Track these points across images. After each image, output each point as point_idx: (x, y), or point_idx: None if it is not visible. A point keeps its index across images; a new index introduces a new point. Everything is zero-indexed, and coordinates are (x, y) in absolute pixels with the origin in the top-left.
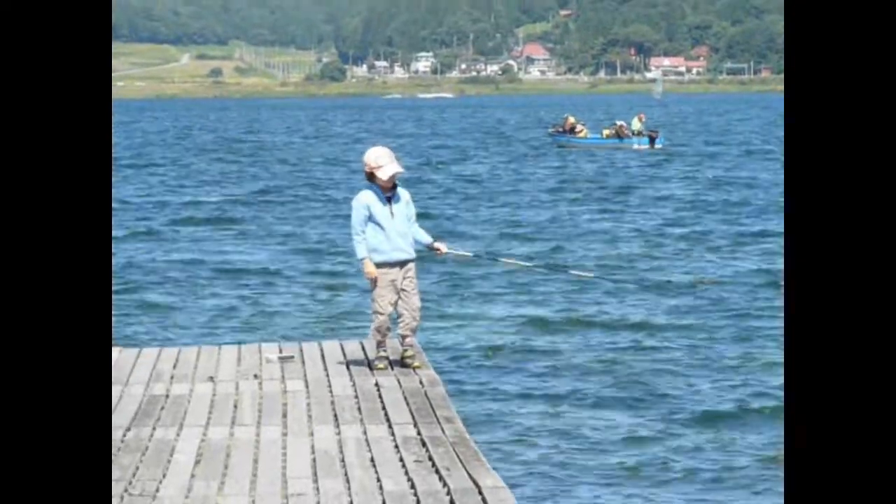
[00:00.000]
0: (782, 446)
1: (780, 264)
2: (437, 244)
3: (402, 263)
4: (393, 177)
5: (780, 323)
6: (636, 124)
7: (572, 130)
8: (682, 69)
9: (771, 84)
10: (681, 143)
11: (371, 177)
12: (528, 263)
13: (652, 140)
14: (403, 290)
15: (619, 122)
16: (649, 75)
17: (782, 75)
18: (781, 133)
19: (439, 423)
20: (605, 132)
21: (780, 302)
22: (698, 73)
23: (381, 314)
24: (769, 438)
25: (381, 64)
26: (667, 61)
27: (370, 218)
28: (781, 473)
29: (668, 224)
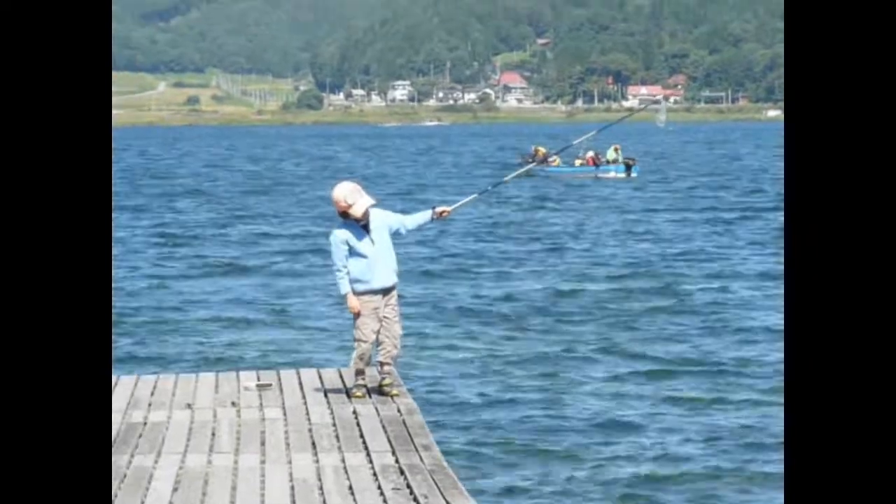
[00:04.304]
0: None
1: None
2: (438, 209)
3: (385, 291)
4: (367, 211)
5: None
6: (611, 154)
7: (544, 160)
8: (660, 98)
9: (748, 112)
10: (659, 173)
11: (344, 214)
12: (513, 174)
13: (628, 168)
14: (385, 317)
15: (592, 152)
16: (626, 104)
17: (759, 104)
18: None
19: (417, 451)
20: (578, 161)
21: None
22: (676, 102)
23: (364, 342)
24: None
25: (359, 92)
26: (644, 90)
27: (351, 252)
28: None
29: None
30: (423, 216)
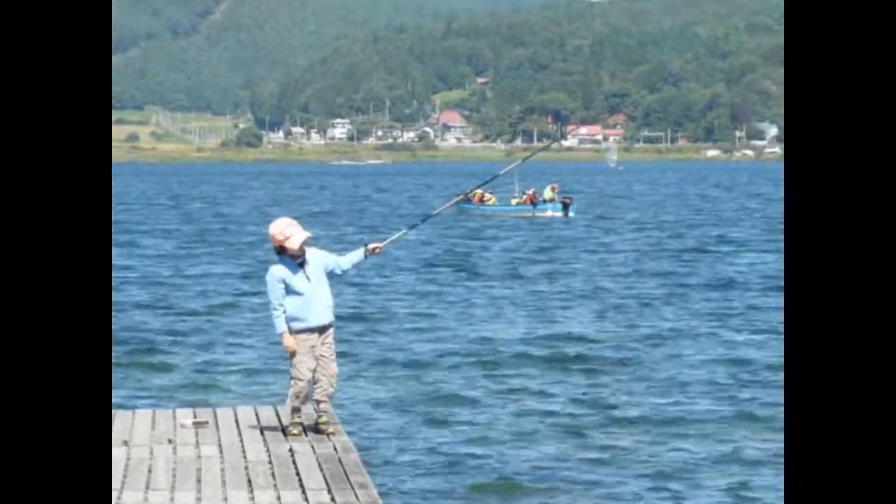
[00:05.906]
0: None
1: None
2: (370, 246)
3: (321, 329)
4: (303, 244)
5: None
6: (548, 193)
7: (481, 199)
8: (599, 137)
9: (687, 152)
10: (598, 213)
11: (281, 249)
12: (447, 204)
13: (566, 207)
14: (322, 355)
15: (529, 191)
16: (566, 143)
17: (699, 143)
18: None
19: (353, 489)
20: (515, 200)
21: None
22: (615, 142)
23: (301, 380)
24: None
25: (298, 130)
26: (584, 129)
27: (287, 289)
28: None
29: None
30: (357, 254)
